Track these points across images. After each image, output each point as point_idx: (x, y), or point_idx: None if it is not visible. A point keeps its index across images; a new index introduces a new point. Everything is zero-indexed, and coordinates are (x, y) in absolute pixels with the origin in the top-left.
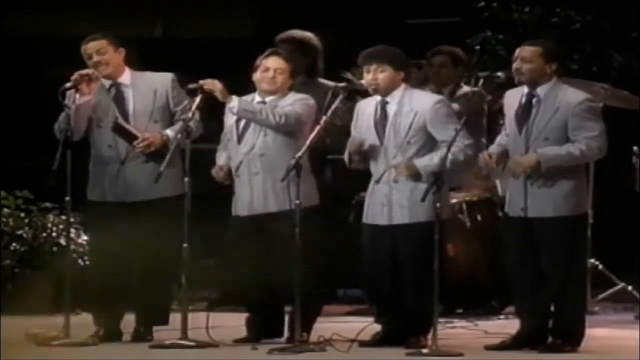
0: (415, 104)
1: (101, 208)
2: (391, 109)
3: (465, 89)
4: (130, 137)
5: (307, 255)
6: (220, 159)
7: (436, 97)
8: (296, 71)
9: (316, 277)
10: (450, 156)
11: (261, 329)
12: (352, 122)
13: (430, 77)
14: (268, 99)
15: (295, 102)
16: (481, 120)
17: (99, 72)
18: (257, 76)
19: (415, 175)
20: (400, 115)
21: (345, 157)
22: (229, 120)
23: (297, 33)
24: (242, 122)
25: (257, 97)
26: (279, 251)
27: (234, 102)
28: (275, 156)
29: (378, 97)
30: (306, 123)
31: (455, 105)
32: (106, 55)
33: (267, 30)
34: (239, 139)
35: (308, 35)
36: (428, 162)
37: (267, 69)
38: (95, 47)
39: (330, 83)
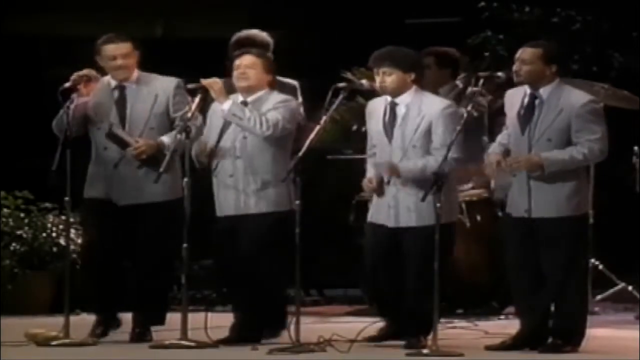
0: (425, 108)
1: (97, 205)
2: (400, 110)
3: (468, 89)
4: (123, 144)
5: (269, 258)
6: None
7: (446, 102)
8: None
9: (280, 281)
10: (433, 164)
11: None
12: (366, 123)
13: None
14: (249, 98)
15: (278, 106)
16: (483, 120)
17: (116, 76)
18: (233, 77)
19: (397, 177)
20: (408, 117)
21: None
22: (214, 119)
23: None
24: (223, 122)
25: (239, 97)
26: (245, 253)
27: (227, 104)
28: (252, 159)
29: (388, 98)
30: (290, 128)
31: (462, 110)
32: (130, 60)
33: (267, 30)
34: (219, 140)
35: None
36: (412, 167)
37: (238, 67)
38: (122, 50)
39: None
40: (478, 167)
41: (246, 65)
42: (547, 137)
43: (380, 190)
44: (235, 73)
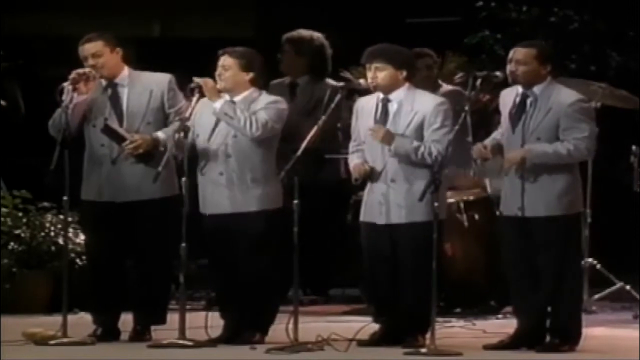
0: (417, 105)
1: (94, 207)
2: (392, 107)
3: (446, 87)
4: (119, 139)
5: (264, 256)
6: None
7: (440, 99)
8: (297, 70)
9: (268, 278)
10: (424, 150)
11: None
12: (352, 121)
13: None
14: (237, 98)
15: (267, 107)
16: (465, 121)
17: (99, 74)
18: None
19: (387, 145)
20: (400, 114)
21: (353, 179)
22: (204, 118)
23: (295, 33)
24: (214, 121)
25: (226, 96)
26: (238, 251)
27: (219, 103)
28: (243, 158)
29: (379, 95)
30: (277, 129)
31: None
32: (102, 58)
33: (267, 29)
34: (209, 138)
35: (307, 34)
36: (406, 142)
37: (217, 68)
38: (91, 50)
39: (334, 83)
40: (463, 170)
41: (222, 66)
42: (537, 135)
43: (371, 175)
44: (216, 75)
